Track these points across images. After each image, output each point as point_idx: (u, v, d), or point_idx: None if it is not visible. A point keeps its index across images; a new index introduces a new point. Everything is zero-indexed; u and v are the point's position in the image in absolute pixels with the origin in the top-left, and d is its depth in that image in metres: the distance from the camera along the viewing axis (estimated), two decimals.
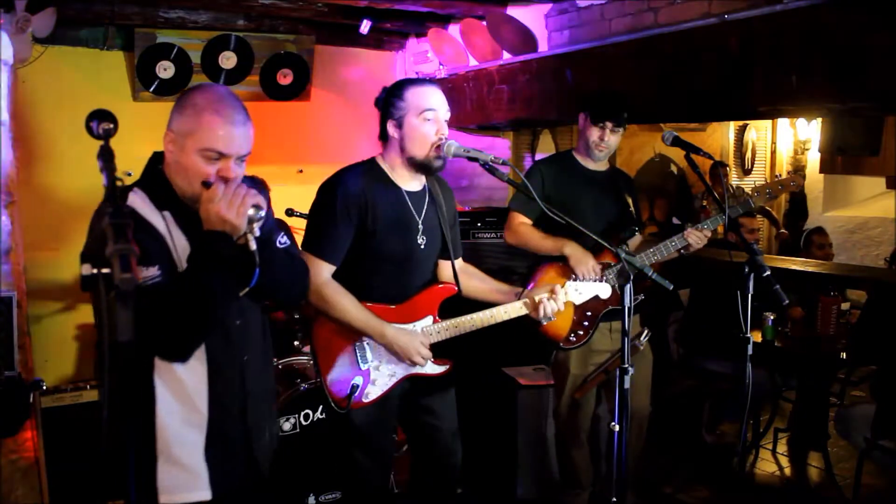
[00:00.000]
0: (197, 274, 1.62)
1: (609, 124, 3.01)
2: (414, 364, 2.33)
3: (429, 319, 2.39)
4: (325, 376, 2.35)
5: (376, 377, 2.36)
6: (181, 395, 1.74)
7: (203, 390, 1.76)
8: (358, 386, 2.32)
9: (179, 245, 1.71)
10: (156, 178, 1.77)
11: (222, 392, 1.79)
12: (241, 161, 1.76)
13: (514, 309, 2.39)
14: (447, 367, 2.45)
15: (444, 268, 2.54)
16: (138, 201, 1.72)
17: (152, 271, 1.62)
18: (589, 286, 2.43)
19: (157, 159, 1.80)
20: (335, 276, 2.31)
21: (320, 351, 2.37)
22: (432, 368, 2.42)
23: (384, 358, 2.36)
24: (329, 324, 2.33)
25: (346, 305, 2.28)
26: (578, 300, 2.44)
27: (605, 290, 2.46)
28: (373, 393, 2.35)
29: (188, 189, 1.72)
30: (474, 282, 2.54)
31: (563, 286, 2.40)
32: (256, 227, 1.66)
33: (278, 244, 1.89)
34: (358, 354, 2.34)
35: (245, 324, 1.84)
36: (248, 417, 1.86)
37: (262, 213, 1.66)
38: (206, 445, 1.77)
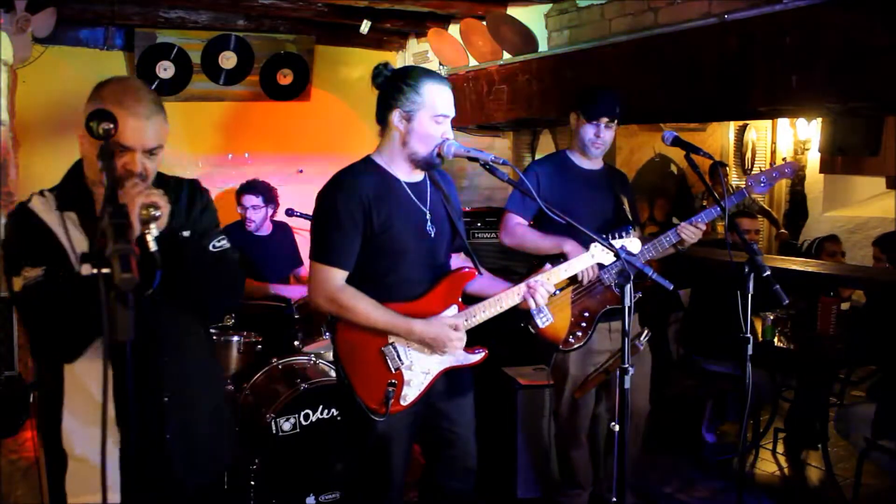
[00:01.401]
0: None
1: (604, 120, 3.00)
2: (453, 351, 2.26)
3: (454, 309, 2.32)
4: (355, 385, 2.26)
5: (411, 378, 2.28)
6: (85, 394, 1.71)
7: (108, 390, 1.67)
8: (392, 390, 2.24)
9: (78, 246, 1.70)
10: (74, 178, 1.80)
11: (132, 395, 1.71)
12: (152, 155, 1.72)
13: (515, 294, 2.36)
14: (483, 354, 2.38)
15: (456, 257, 2.50)
16: (39, 203, 1.75)
17: (35, 272, 1.64)
18: (616, 244, 2.36)
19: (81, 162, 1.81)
20: (352, 280, 2.26)
21: (346, 359, 2.30)
22: (468, 358, 2.35)
23: (416, 356, 2.29)
24: (351, 330, 2.26)
25: (367, 308, 2.22)
26: (608, 259, 2.40)
27: (635, 246, 2.41)
28: (410, 395, 2.28)
29: (99, 183, 1.68)
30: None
31: (589, 250, 2.38)
32: (153, 227, 1.59)
33: (211, 248, 1.85)
34: (387, 357, 2.26)
35: (156, 327, 1.77)
36: (167, 428, 1.79)
37: (157, 213, 1.60)
38: (118, 447, 1.68)
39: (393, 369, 2.27)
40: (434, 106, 2.22)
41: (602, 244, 2.26)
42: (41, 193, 1.78)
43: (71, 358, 1.71)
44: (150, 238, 1.58)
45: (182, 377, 1.86)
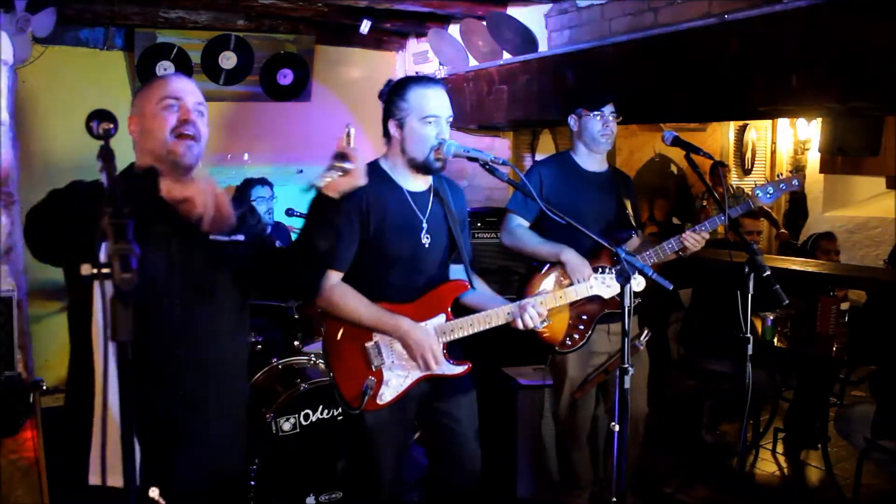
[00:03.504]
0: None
1: (608, 108, 3.01)
2: (422, 363, 2.29)
3: (441, 318, 2.36)
4: (336, 376, 2.33)
5: (390, 378, 2.32)
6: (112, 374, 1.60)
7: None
8: (370, 386, 2.29)
9: None
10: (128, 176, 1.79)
11: (150, 382, 1.64)
12: (201, 115, 1.84)
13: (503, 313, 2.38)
14: (465, 367, 2.41)
15: (456, 268, 2.52)
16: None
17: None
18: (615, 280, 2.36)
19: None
20: (345, 279, 2.30)
21: (331, 350, 2.36)
22: (450, 369, 2.38)
23: (397, 358, 2.33)
24: (339, 324, 2.32)
25: (356, 305, 2.27)
26: (608, 293, 2.42)
27: (637, 284, 2.40)
28: (387, 394, 2.32)
29: (159, 147, 1.77)
30: (479, 288, 2.52)
31: (588, 279, 2.41)
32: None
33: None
34: (370, 354, 2.31)
35: (185, 317, 1.76)
36: (182, 420, 1.75)
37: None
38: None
39: (374, 367, 2.31)
40: (420, 108, 2.28)
41: (605, 245, 2.26)
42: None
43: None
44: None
45: (204, 373, 1.81)
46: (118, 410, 1.51)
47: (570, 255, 2.89)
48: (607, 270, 2.41)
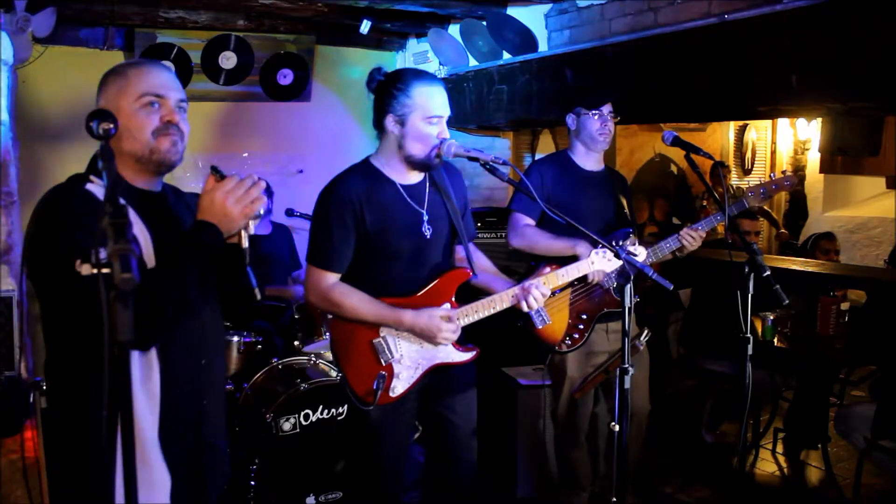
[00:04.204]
0: (178, 264, 1.55)
1: (606, 108, 3.01)
2: (443, 342, 2.28)
3: (446, 306, 2.36)
4: (347, 374, 2.33)
5: (400, 370, 2.33)
6: (137, 394, 1.58)
7: (156, 392, 1.62)
8: (382, 382, 2.29)
9: (140, 233, 1.60)
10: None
11: (177, 396, 1.65)
12: (183, 111, 1.71)
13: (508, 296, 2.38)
14: (474, 353, 2.41)
15: (460, 253, 2.52)
16: (99, 190, 1.61)
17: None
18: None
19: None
20: (348, 277, 2.30)
21: (340, 349, 2.36)
22: (458, 356, 2.38)
23: (406, 350, 2.33)
24: (345, 322, 2.32)
25: (357, 303, 2.27)
26: (609, 267, 2.41)
27: (640, 253, 2.38)
28: (399, 387, 2.33)
29: (140, 149, 1.65)
30: (483, 268, 2.51)
31: (589, 257, 2.41)
32: (252, 224, 1.65)
33: None
34: (378, 349, 2.31)
35: (203, 326, 1.74)
36: (203, 431, 1.74)
37: (262, 212, 1.65)
38: (161, 447, 1.62)
39: (383, 362, 2.31)
40: (425, 107, 2.24)
41: (604, 245, 2.26)
42: (89, 178, 1.64)
43: (147, 345, 1.59)
44: (244, 235, 1.64)
45: (217, 381, 1.82)
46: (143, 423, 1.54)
47: (584, 248, 2.85)
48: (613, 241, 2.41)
